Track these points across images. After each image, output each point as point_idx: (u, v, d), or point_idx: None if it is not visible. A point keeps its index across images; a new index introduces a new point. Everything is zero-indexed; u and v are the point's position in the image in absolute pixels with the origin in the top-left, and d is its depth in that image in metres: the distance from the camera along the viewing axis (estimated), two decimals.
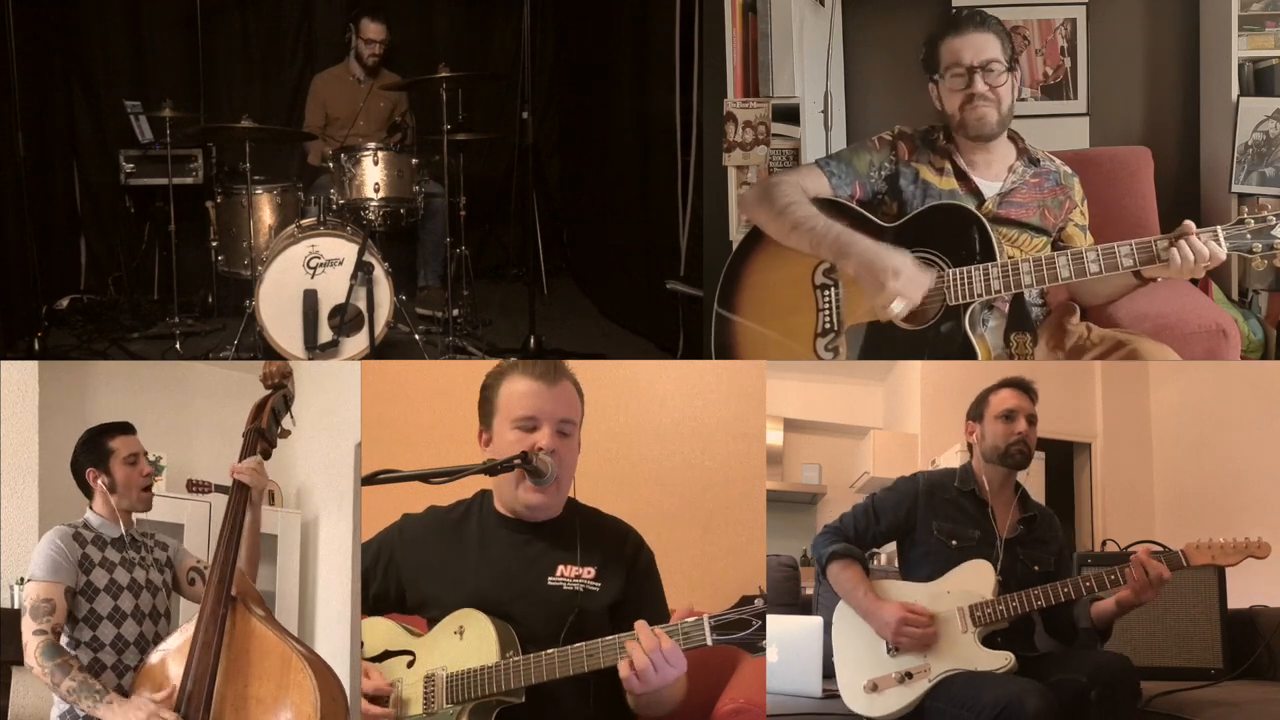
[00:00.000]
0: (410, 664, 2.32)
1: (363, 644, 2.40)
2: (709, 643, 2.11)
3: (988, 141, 2.91)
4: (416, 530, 2.44)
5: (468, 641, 2.26)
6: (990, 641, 2.62)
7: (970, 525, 2.77)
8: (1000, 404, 2.81)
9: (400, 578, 2.40)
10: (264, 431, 2.68)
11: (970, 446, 2.87)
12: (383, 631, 2.39)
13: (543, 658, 2.19)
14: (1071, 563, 2.88)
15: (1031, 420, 2.80)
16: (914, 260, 2.73)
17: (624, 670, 2.11)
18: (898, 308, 2.70)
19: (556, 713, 2.26)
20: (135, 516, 2.81)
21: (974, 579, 2.68)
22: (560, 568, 2.32)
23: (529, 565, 2.33)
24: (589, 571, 2.32)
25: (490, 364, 2.42)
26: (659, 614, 2.32)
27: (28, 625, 2.52)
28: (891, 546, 3.12)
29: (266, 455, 2.68)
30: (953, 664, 2.60)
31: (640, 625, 2.13)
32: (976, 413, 2.86)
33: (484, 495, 2.44)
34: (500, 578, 2.32)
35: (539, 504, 2.31)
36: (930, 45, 2.94)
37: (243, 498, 2.59)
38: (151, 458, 4.30)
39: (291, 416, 2.75)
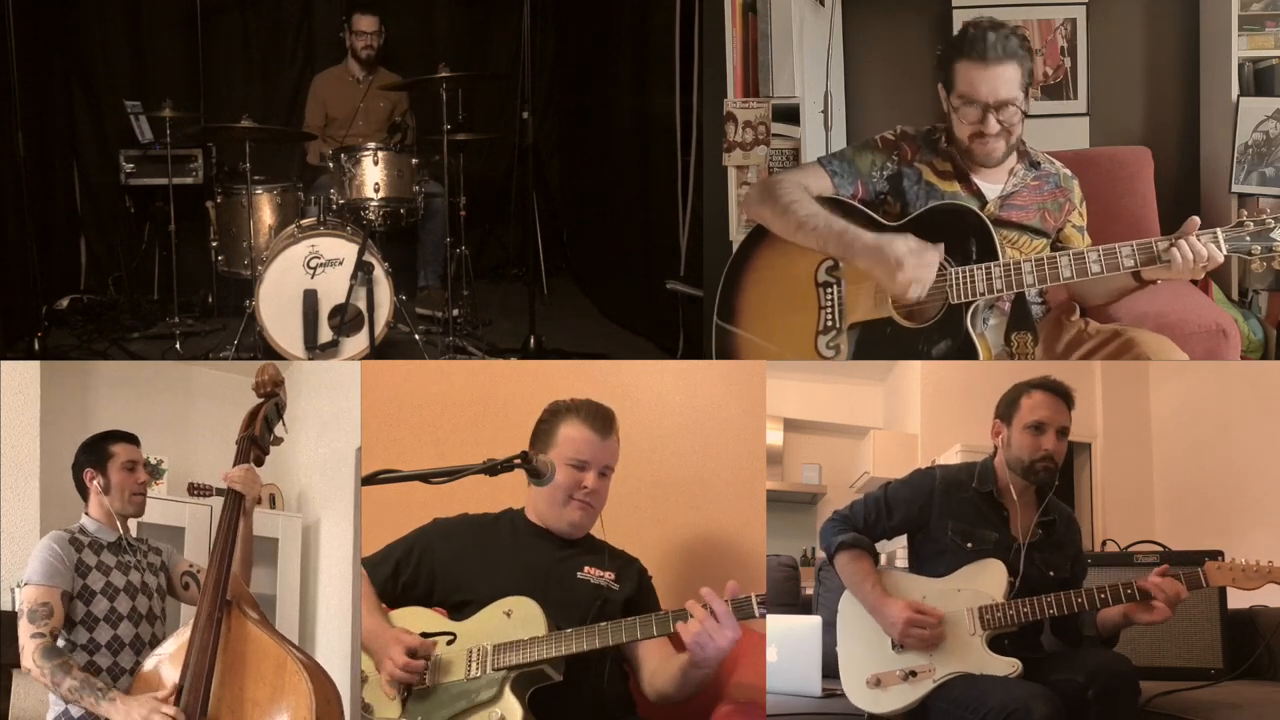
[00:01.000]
0: (450, 643, 2.45)
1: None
2: (757, 615, 2.32)
3: (992, 169, 2.91)
4: (451, 528, 2.64)
5: (515, 620, 2.43)
6: (997, 643, 2.59)
7: (987, 528, 2.69)
8: (1031, 412, 2.69)
9: (434, 568, 2.57)
10: (257, 439, 2.71)
11: (995, 447, 2.76)
12: (416, 617, 2.51)
13: (595, 628, 2.38)
14: (1085, 568, 2.79)
15: (1062, 433, 2.68)
16: (918, 241, 2.72)
17: (688, 638, 2.31)
18: (915, 292, 2.69)
19: (588, 693, 2.45)
20: (132, 524, 2.82)
21: (986, 579, 2.63)
22: (587, 568, 2.57)
23: (560, 563, 2.58)
24: (610, 574, 2.58)
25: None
26: None
27: (25, 629, 2.54)
28: (893, 547, 3.12)
29: (260, 462, 2.71)
30: (958, 666, 2.57)
31: (692, 603, 2.33)
32: (1006, 414, 2.73)
33: (513, 511, 2.67)
34: (534, 570, 2.55)
35: (580, 521, 2.57)
36: (946, 59, 2.84)
37: (237, 504, 2.61)
38: (153, 460, 4.33)
39: (284, 423, 2.79)
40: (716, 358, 3.04)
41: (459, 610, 2.52)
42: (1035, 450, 2.68)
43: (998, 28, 2.80)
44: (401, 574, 2.57)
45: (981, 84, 2.78)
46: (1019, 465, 2.70)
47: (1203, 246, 2.60)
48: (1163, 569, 2.55)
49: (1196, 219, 2.63)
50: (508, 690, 2.37)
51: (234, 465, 2.65)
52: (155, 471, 4.33)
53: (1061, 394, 2.70)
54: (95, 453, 2.77)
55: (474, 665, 2.41)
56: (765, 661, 2.83)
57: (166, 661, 2.50)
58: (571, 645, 2.38)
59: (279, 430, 2.77)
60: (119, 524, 2.76)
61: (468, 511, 2.68)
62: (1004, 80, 2.77)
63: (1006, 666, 2.54)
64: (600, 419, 2.58)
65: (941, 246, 2.73)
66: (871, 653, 2.67)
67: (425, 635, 2.46)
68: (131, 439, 2.82)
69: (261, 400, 2.75)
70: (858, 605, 2.72)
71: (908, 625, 2.59)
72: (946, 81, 2.86)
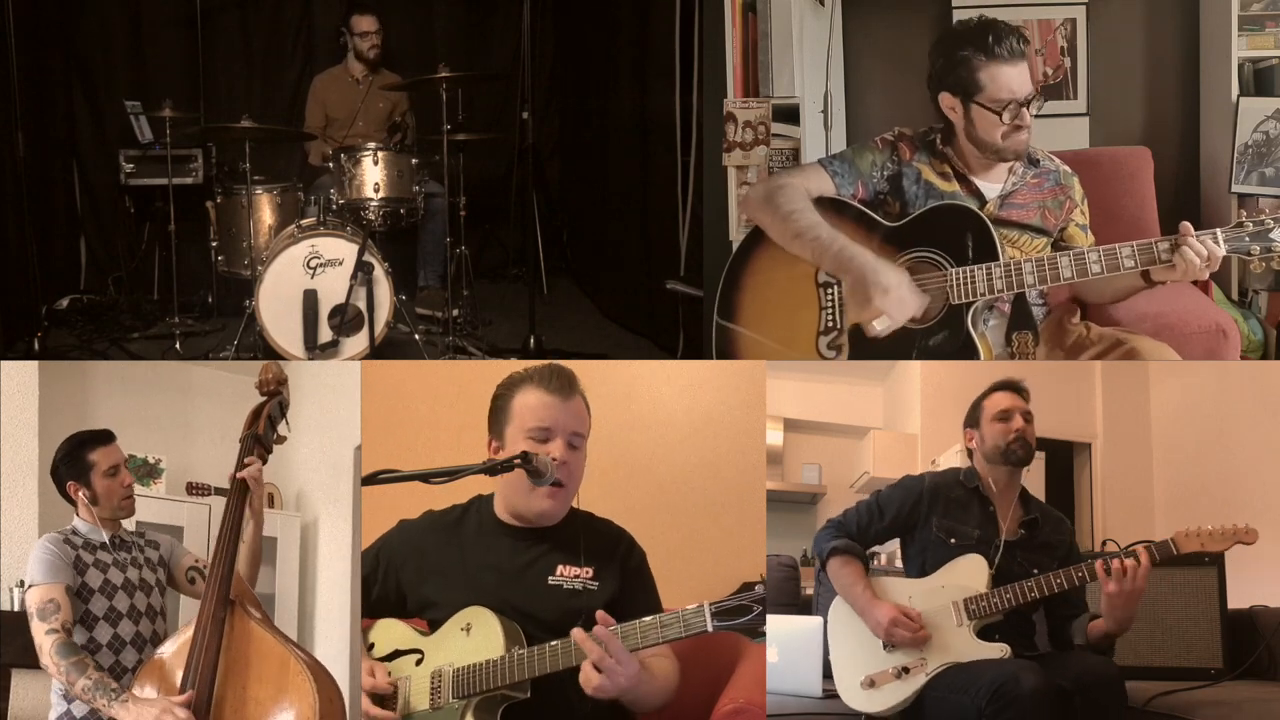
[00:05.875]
0: (419, 662, 2.35)
1: (372, 645, 2.42)
2: (709, 629, 2.12)
3: (991, 169, 2.91)
4: (414, 535, 2.47)
5: (474, 638, 2.30)
6: (987, 635, 2.63)
7: (971, 524, 2.78)
8: (994, 406, 2.84)
9: (400, 582, 2.43)
10: (260, 437, 2.69)
11: (970, 453, 2.88)
12: (393, 632, 2.42)
13: (545, 650, 2.22)
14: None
15: (1028, 417, 2.82)
16: (910, 282, 2.73)
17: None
18: (880, 326, 2.71)
19: (560, 709, 2.28)
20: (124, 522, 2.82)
21: (968, 573, 2.71)
22: (560, 568, 2.36)
23: (529, 566, 2.37)
24: (587, 571, 2.36)
25: (490, 364, 2.44)
26: (652, 610, 2.32)
27: (38, 628, 2.53)
28: (892, 546, 3.13)
29: (263, 460, 2.69)
30: (949, 657, 2.62)
31: (601, 619, 2.15)
32: (973, 419, 2.88)
33: (481, 499, 2.47)
34: (501, 579, 2.36)
35: (550, 510, 2.35)
36: (964, 62, 2.81)
37: (241, 501, 2.60)
38: (151, 460, 4.33)
39: (286, 422, 2.77)
40: (717, 356, 3.04)
41: (431, 610, 2.40)
42: (1007, 434, 2.81)
43: (1001, 25, 2.85)
44: (372, 591, 2.44)
45: (1014, 81, 2.81)
46: (996, 453, 2.81)
47: (1202, 246, 2.61)
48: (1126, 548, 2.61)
49: (1188, 224, 2.64)
50: (470, 717, 2.25)
51: (237, 463, 2.62)
52: (154, 471, 4.33)
53: (1016, 389, 2.85)
54: (75, 465, 2.73)
55: (436, 693, 2.30)
56: (765, 662, 2.83)
57: (170, 660, 2.49)
58: (524, 670, 2.22)
59: (282, 429, 2.76)
60: (108, 526, 2.75)
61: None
62: (1027, 73, 2.84)
63: (996, 651, 2.59)
64: (559, 380, 2.34)
65: (928, 299, 2.75)
66: (864, 654, 2.71)
67: (397, 652, 2.37)
68: (107, 439, 2.77)
69: (265, 399, 2.74)
70: (847, 609, 2.77)
71: (891, 624, 2.65)
72: (971, 88, 2.82)
